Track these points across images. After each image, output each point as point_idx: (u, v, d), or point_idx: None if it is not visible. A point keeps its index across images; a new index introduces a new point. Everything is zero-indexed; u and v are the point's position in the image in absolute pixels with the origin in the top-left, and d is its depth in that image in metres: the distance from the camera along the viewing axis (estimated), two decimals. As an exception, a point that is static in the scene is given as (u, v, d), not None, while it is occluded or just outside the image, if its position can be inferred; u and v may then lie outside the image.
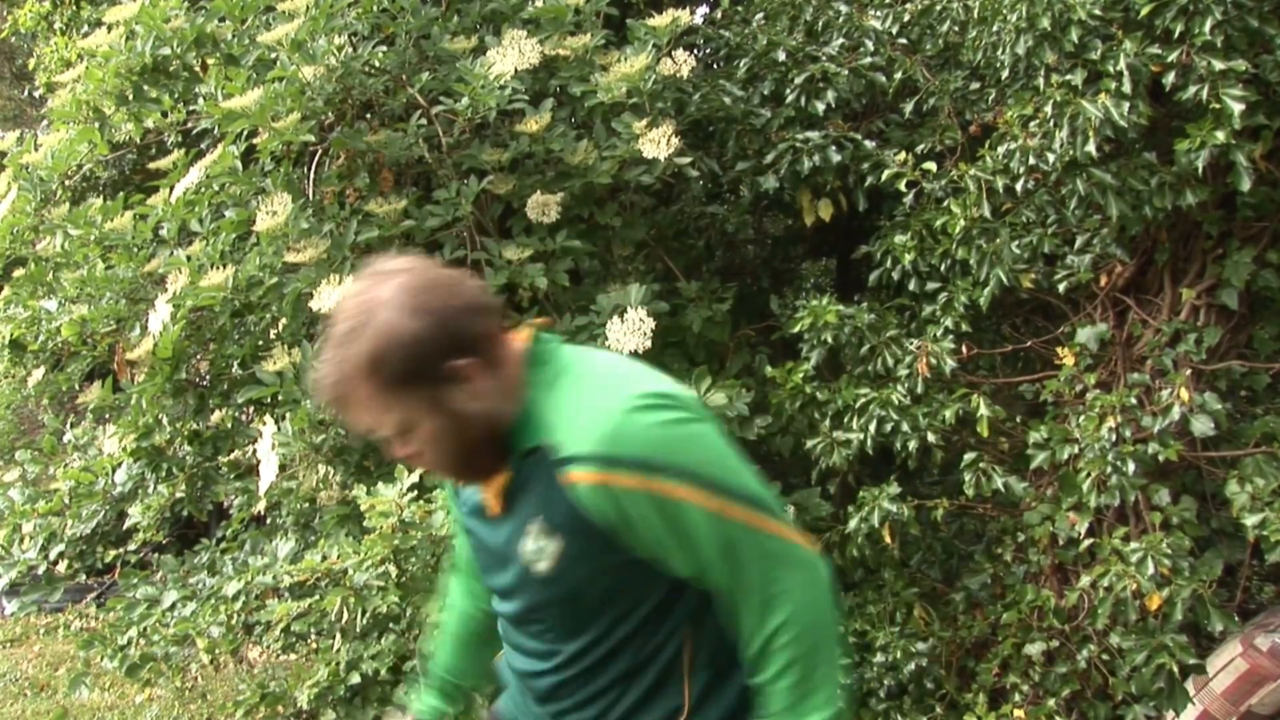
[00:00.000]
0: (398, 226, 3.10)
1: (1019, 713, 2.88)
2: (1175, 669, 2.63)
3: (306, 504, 3.31)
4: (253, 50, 3.15)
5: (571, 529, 1.25)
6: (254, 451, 3.28)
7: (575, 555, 1.27)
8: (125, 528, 3.65)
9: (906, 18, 3.47)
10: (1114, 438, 2.79)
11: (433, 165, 3.22)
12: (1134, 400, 2.85)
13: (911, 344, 3.13)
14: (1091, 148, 2.72)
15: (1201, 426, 2.74)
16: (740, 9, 3.87)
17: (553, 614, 1.36)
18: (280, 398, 3.09)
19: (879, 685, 3.03)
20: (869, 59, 3.48)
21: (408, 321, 1.19)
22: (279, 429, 3.09)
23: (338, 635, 2.95)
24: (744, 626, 1.28)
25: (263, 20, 3.20)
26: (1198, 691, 2.77)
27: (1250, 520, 2.61)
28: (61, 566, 3.69)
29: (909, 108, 3.45)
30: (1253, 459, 2.73)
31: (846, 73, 3.43)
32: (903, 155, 3.27)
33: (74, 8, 4.78)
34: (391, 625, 2.92)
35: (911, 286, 3.30)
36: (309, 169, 3.25)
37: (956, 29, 3.31)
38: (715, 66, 4.00)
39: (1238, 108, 2.56)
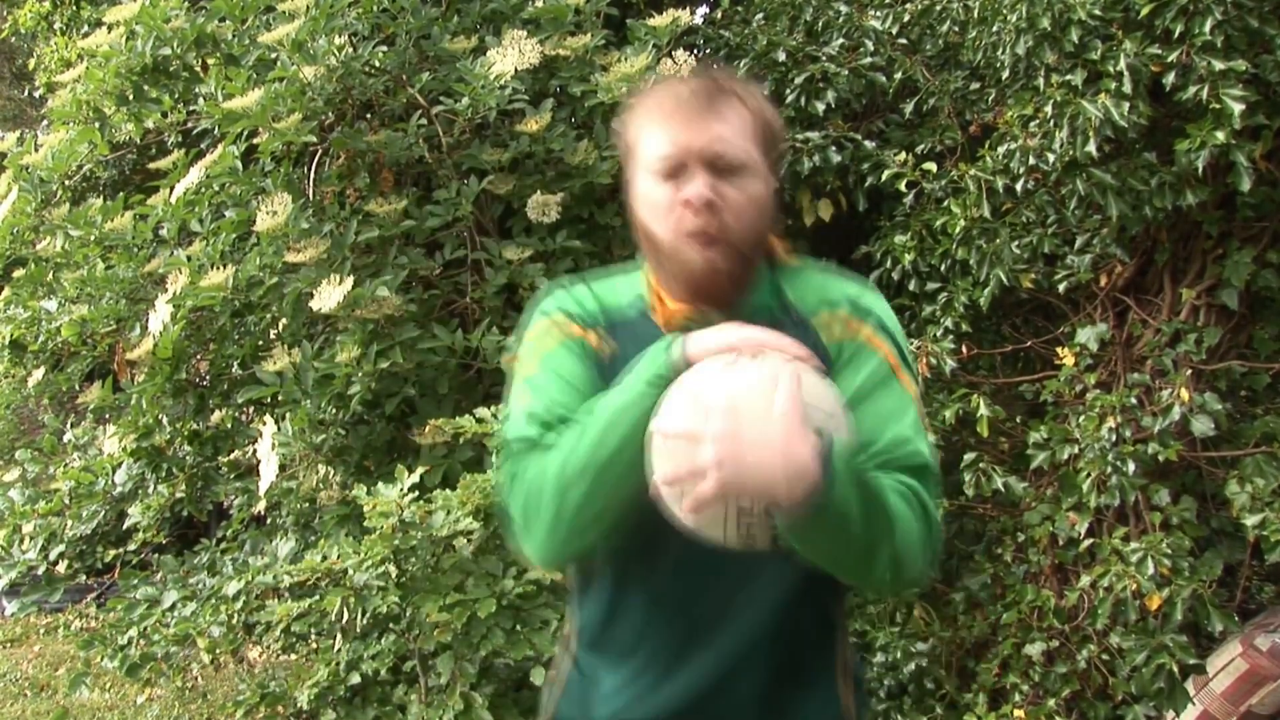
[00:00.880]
0: (398, 226, 3.10)
1: (1019, 713, 2.87)
2: (1175, 669, 2.62)
3: (306, 504, 3.31)
4: (253, 50, 3.15)
5: None
6: (254, 451, 3.29)
7: None
8: (125, 528, 3.65)
9: (906, 18, 3.47)
10: (1114, 438, 2.79)
11: (433, 165, 3.22)
12: (1134, 400, 2.85)
13: (911, 344, 3.12)
14: (1091, 148, 2.72)
15: (1201, 426, 2.74)
16: (740, 9, 3.87)
17: None
18: (280, 398, 3.09)
19: (879, 685, 3.03)
20: (869, 59, 3.48)
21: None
22: (279, 429, 3.10)
23: (338, 635, 2.94)
24: None
25: (263, 20, 3.21)
26: (1198, 691, 2.77)
27: (1250, 520, 2.61)
28: (61, 567, 3.69)
29: (909, 108, 3.45)
30: (1253, 459, 2.73)
31: (846, 73, 3.43)
32: (903, 155, 3.27)
33: (74, 8, 4.78)
34: (391, 625, 2.91)
35: (911, 286, 3.30)
36: (309, 169, 3.25)
37: (956, 29, 3.31)
38: (715, 66, 4.00)
39: (1238, 108, 2.56)
